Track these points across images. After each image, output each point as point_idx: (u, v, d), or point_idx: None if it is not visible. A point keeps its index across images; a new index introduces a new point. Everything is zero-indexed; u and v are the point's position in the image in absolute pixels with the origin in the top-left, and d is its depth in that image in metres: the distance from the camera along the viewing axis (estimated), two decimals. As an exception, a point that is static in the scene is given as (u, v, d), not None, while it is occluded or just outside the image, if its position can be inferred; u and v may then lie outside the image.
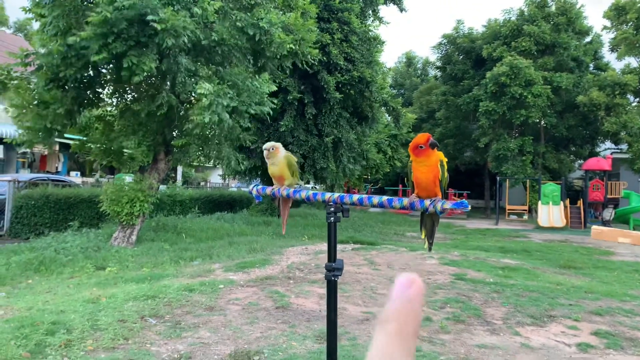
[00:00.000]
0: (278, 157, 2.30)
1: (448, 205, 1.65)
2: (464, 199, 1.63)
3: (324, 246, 10.45)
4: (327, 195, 1.80)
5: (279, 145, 2.36)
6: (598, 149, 29.30)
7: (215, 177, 36.02)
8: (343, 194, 1.81)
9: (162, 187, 14.96)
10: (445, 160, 1.84)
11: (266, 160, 2.36)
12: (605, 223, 20.10)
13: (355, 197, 1.82)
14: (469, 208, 1.67)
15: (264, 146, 2.36)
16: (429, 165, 1.79)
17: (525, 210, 25.33)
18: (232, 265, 7.77)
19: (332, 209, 1.72)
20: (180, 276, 6.95)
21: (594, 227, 17.74)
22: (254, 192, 2.26)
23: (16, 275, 7.20)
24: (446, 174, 1.83)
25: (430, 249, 2.06)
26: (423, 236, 1.99)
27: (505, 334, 4.90)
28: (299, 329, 4.76)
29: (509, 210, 24.96)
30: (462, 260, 8.92)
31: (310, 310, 5.46)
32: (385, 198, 1.72)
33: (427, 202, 1.69)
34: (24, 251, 8.42)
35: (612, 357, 4.34)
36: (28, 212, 11.51)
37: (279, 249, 9.86)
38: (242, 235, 11.38)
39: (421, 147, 1.77)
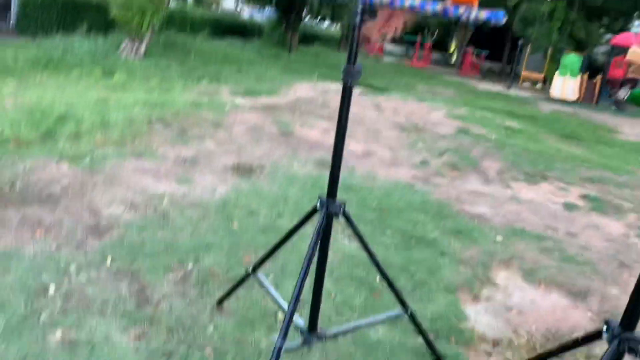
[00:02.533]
0: None
1: (483, 15, 1.56)
2: (499, 11, 1.54)
3: (333, 85, 10.38)
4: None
5: None
6: (631, 25, 27.68)
7: (228, 2, 34.30)
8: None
9: (172, 4, 14.32)
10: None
11: None
12: (617, 103, 19.73)
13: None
14: (504, 21, 1.59)
15: None
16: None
17: (541, 78, 24.69)
18: (239, 90, 7.77)
19: (360, 8, 1.63)
20: (187, 92, 6.96)
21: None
22: None
23: (24, 70, 7.17)
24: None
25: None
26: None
27: (497, 185, 5.07)
28: (301, 154, 4.90)
29: (524, 76, 24.33)
30: (468, 115, 8.92)
31: (314, 141, 5.57)
32: (418, 1, 1.63)
33: (461, 10, 1.59)
34: (32, 48, 8.29)
35: (594, 218, 4.54)
36: (35, 10, 11.12)
37: (287, 82, 9.77)
38: (252, 64, 11.18)
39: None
